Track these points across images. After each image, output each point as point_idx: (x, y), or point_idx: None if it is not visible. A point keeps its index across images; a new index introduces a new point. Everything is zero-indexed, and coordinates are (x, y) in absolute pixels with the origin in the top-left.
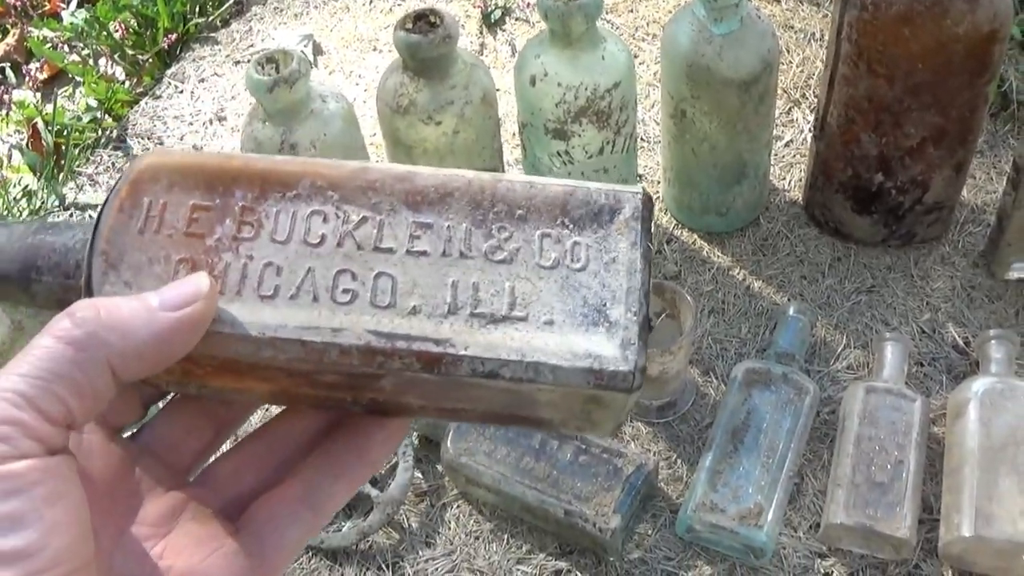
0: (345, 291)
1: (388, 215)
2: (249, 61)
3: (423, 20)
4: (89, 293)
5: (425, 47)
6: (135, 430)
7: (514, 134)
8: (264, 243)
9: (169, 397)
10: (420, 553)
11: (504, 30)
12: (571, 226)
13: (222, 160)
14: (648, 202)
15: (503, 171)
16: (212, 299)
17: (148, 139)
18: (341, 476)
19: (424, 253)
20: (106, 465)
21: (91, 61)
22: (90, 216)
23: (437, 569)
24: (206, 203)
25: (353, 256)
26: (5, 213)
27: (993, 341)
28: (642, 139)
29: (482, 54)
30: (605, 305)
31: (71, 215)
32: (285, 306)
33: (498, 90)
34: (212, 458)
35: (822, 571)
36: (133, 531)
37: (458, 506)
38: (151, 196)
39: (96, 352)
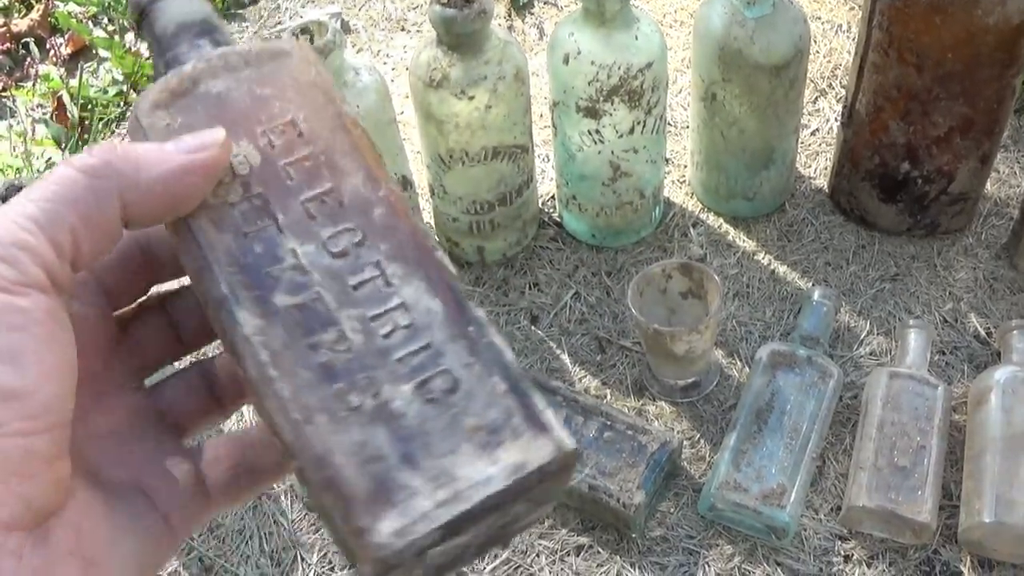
0: None
1: None
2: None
3: None
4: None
5: (460, 22)
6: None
7: (541, 115)
8: None
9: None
10: None
11: (532, 14)
12: None
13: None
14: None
15: (532, 149)
16: (227, 149)
17: None
18: None
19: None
20: (89, 341)
21: (117, 36)
22: None
23: None
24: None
25: None
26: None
27: (1015, 331)
28: (669, 124)
29: None
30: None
31: None
32: None
33: None
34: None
35: (842, 553)
36: (98, 417)
37: None
38: None
39: (108, 181)
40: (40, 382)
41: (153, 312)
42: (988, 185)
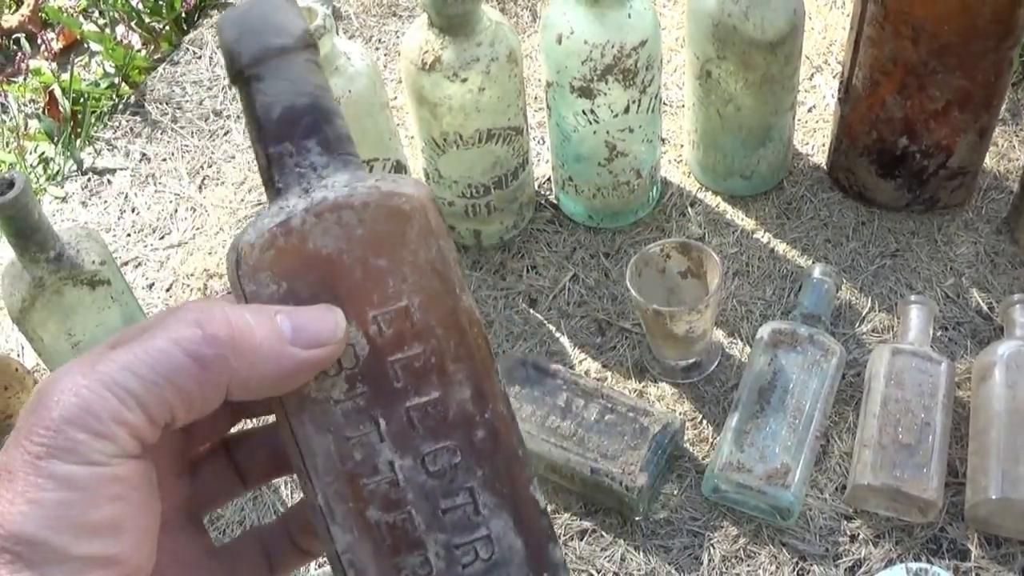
0: None
1: None
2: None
3: None
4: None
5: (451, 3)
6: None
7: (536, 98)
8: None
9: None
10: None
11: None
12: None
13: None
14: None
15: (527, 131)
16: (343, 344)
17: (167, 104)
18: None
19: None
20: (166, 487)
21: (108, 29)
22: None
23: None
24: None
25: None
26: None
27: (1018, 305)
28: (664, 103)
29: None
30: None
31: (88, 180)
32: None
33: None
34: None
35: (848, 533)
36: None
37: None
38: None
39: (219, 376)
40: (136, 546)
41: (218, 455)
42: (987, 159)
